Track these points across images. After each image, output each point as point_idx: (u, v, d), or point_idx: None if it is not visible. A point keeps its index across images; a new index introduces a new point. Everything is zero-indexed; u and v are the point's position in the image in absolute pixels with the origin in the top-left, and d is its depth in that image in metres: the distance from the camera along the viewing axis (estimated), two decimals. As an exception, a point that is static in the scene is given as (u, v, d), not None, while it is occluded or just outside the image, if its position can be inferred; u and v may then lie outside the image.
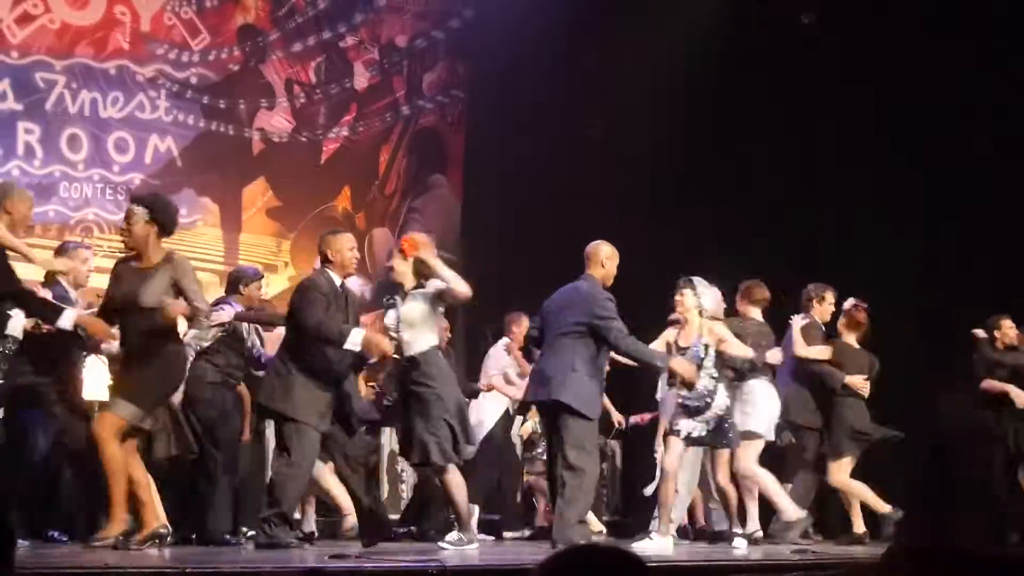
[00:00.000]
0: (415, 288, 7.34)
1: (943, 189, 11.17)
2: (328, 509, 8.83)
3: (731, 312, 8.88)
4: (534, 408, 9.32)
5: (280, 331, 7.81)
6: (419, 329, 7.27)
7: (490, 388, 9.70)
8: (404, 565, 5.86)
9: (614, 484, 11.59)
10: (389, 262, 7.99)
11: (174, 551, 6.73)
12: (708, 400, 8.00)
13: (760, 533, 8.71)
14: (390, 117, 12.98)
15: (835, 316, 9.41)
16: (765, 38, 11.87)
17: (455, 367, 9.74)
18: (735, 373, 8.48)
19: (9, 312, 6.74)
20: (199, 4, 11.83)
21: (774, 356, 9.01)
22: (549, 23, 12.05)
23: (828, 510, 9.97)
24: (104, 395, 7.40)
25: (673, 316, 8.35)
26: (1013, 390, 9.67)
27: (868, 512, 9.25)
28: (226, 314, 8.06)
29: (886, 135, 11.39)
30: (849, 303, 9.32)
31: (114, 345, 7.01)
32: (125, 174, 11.38)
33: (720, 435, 8.12)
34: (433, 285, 7.29)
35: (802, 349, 9.07)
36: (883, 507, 9.04)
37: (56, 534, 7.71)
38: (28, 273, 7.52)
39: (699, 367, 7.94)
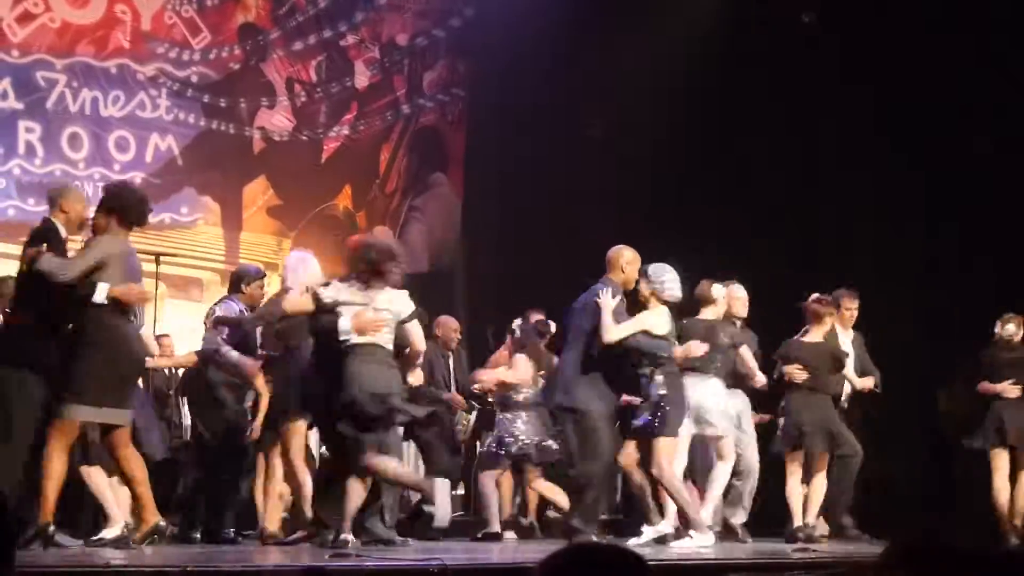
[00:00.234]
0: None
1: (943, 189, 11.16)
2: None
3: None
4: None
5: None
6: None
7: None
8: (405, 564, 5.86)
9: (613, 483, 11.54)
10: None
11: (174, 551, 6.74)
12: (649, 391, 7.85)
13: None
14: (391, 116, 12.99)
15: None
16: (765, 38, 11.87)
17: (457, 368, 9.75)
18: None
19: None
20: (200, 3, 11.84)
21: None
22: (549, 23, 12.06)
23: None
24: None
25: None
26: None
27: (862, 513, 9.23)
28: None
29: (886, 135, 11.39)
30: (811, 297, 9.28)
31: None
32: (126, 173, 11.38)
33: (654, 425, 7.83)
34: None
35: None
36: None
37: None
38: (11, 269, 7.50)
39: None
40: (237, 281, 8.50)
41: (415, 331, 7.38)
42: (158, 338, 8.89)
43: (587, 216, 11.86)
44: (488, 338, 10.66)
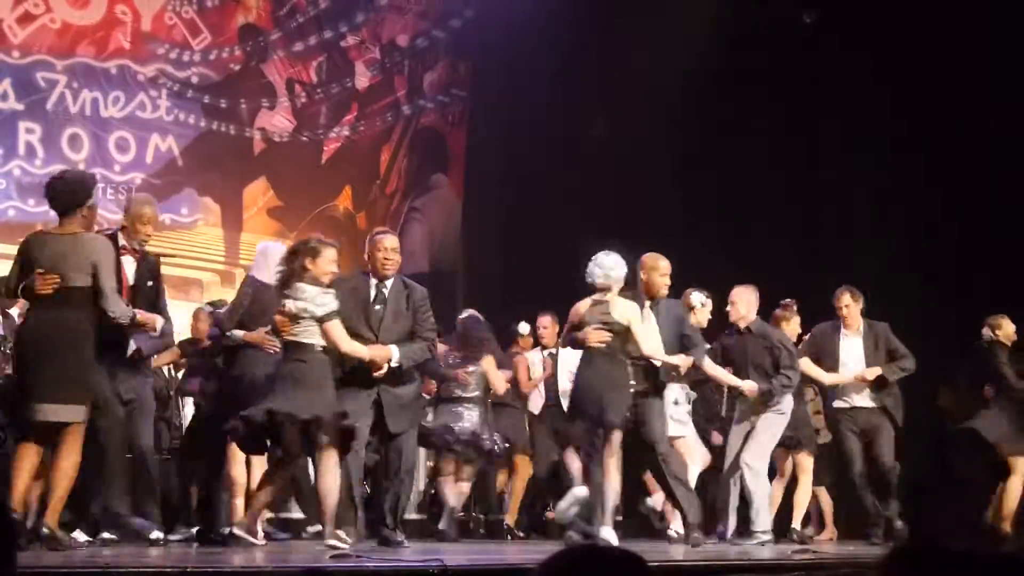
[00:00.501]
0: None
1: (943, 189, 11.16)
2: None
3: None
4: None
5: None
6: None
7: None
8: (405, 564, 5.86)
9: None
10: None
11: (174, 551, 6.74)
12: None
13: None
14: (391, 116, 12.99)
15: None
16: (765, 38, 11.88)
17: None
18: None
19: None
20: (200, 3, 11.85)
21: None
22: (549, 23, 12.07)
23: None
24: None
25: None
26: None
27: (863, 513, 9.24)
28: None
29: (886, 135, 11.40)
30: (784, 302, 9.30)
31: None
32: (126, 174, 11.39)
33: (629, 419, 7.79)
34: None
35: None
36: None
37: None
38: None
39: None
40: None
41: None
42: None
43: (587, 216, 11.87)
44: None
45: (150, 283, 7.01)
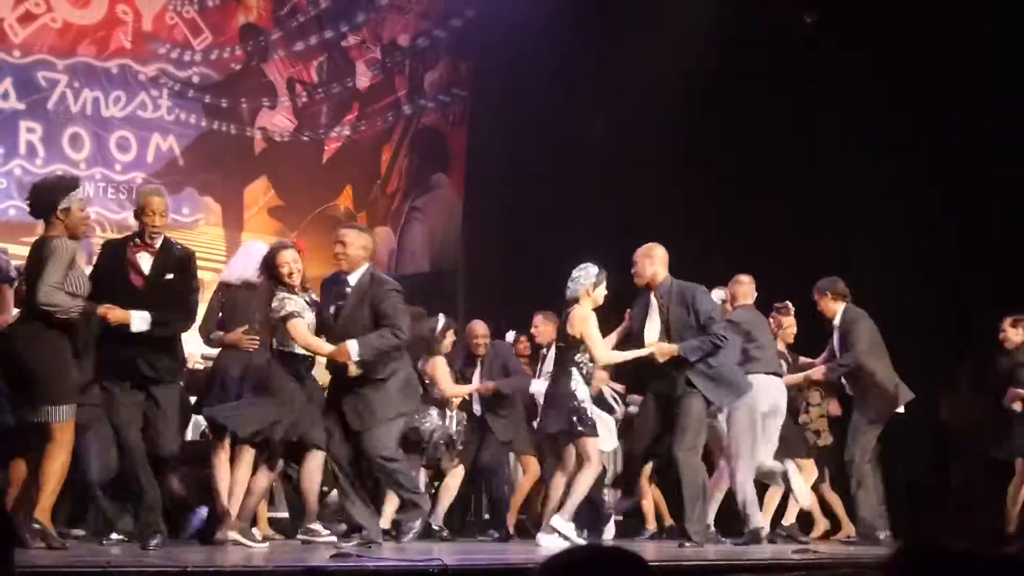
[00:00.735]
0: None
1: (942, 189, 11.16)
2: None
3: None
4: None
5: None
6: None
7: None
8: (405, 564, 5.87)
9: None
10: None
11: (174, 551, 6.74)
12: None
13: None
14: (392, 116, 13.00)
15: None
16: (765, 38, 11.88)
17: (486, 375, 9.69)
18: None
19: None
20: (201, 3, 11.86)
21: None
22: (550, 23, 12.07)
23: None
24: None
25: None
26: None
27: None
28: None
29: (887, 135, 11.40)
30: (778, 304, 9.35)
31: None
32: (127, 173, 11.40)
33: (575, 428, 7.82)
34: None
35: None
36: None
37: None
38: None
39: None
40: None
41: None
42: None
43: (587, 215, 11.87)
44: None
45: (169, 276, 6.80)
